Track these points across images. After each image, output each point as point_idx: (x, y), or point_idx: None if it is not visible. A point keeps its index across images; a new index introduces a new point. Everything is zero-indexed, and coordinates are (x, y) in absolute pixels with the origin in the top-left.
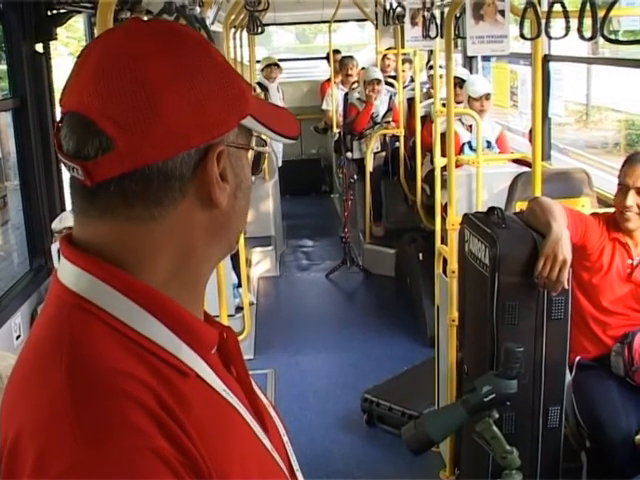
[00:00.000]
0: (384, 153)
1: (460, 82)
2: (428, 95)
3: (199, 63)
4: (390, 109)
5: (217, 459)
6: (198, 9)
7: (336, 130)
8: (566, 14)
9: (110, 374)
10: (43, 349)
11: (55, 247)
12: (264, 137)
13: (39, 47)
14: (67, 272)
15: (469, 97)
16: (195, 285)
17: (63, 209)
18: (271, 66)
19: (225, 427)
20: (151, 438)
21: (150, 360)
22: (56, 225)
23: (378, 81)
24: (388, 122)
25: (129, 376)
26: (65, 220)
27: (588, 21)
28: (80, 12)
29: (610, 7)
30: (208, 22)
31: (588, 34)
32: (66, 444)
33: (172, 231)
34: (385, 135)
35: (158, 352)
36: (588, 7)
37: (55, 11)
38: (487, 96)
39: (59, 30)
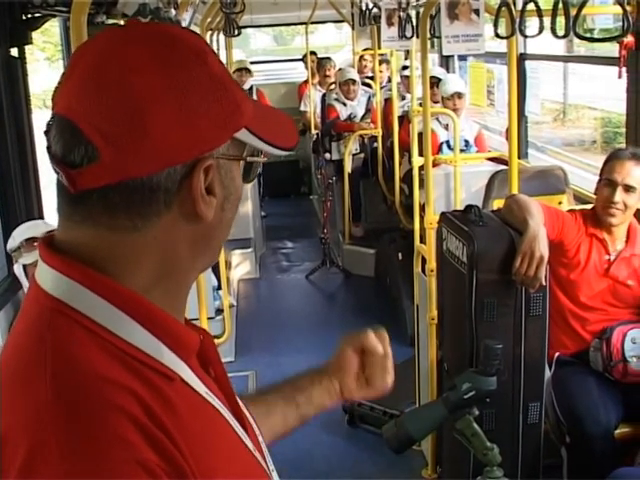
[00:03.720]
0: (363, 154)
1: (437, 81)
2: (402, 96)
3: (192, 76)
4: (369, 110)
5: (202, 462)
6: (173, 11)
7: (314, 131)
8: (539, 13)
9: (95, 383)
10: (25, 356)
11: (18, 267)
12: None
13: (14, 51)
14: (46, 276)
15: (442, 96)
16: (177, 293)
17: (41, 215)
18: (242, 70)
19: (210, 430)
20: (138, 450)
21: (134, 366)
22: (11, 244)
23: (353, 81)
24: (368, 123)
25: (115, 384)
26: (18, 237)
27: (564, 20)
28: (55, 16)
29: (582, 6)
30: (184, 25)
31: (561, 32)
32: (51, 457)
33: (155, 242)
34: (364, 136)
35: (141, 357)
36: (561, 6)
37: (30, 15)
38: (459, 95)
39: (35, 34)
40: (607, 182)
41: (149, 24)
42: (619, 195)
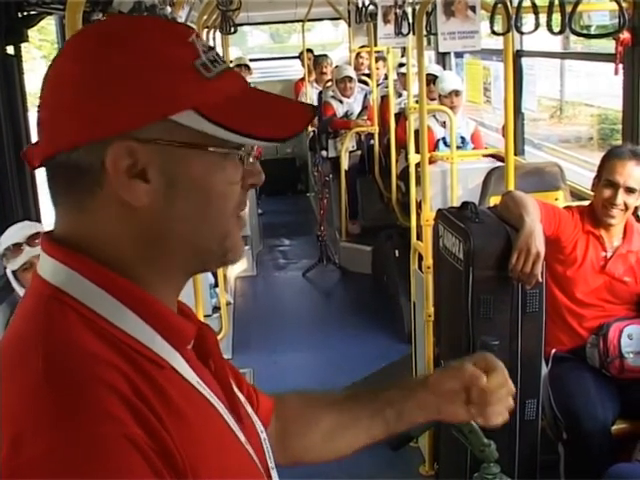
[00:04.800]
0: (360, 152)
1: (433, 78)
2: (399, 93)
3: (112, 60)
4: (365, 107)
5: (190, 448)
6: (169, 9)
7: (311, 129)
8: (535, 9)
9: (86, 361)
10: (21, 341)
11: (8, 270)
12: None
13: (10, 49)
14: (46, 265)
15: (439, 94)
16: (163, 281)
17: (38, 215)
18: (241, 67)
19: (200, 418)
20: (125, 425)
21: (126, 351)
22: None
23: (350, 78)
24: (364, 120)
25: (105, 362)
26: (3, 243)
27: (560, 16)
28: (51, 14)
29: (577, 2)
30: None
31: (557, 29)
32: (42, 429)
33: (103, 224)
34: (360, 134)
35: (134, 344)
36: (557, 2)
37: (26, 12)
38: (456, 92)
39: (31, 32)
40: (608, 183)
41: (102, 21)
42: (621, 197)
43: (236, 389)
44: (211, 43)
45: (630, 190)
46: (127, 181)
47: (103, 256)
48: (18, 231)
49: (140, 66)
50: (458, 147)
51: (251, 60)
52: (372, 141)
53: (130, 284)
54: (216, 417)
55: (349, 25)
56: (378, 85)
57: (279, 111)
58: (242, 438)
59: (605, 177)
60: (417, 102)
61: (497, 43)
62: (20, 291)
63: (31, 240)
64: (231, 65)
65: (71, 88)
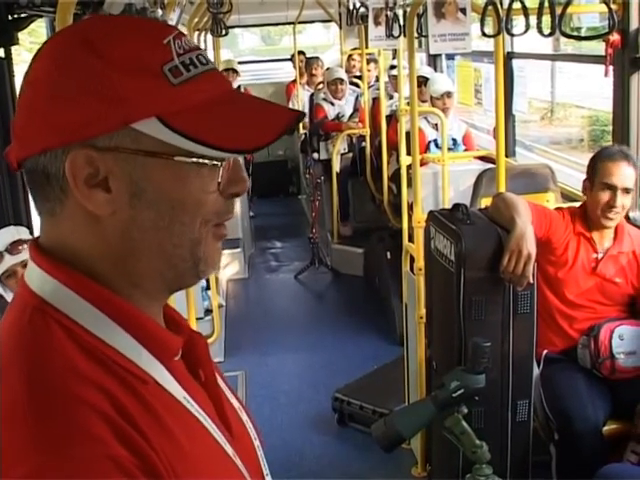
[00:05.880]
0: (351, 154)
1: (424, 81)
2: (390, 95)
3: (73, 67)
4: (357, 109)
5: (177, 464)
6: (160, 12)
7: (302, 131)
8: (525, 11)
9: (67, 380)
10: (5, 353)
11: None
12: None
13: (0, 52)
14: (33, 274)
15: (431, 96)
16: (142, 293)
17: (30, 221)
18: (228, 71)
19: (185, 434)
20: (108, 445)
21: (110, 365)
22: None
23: (341, 81)
24: (356, 122)
25: (86, 381)
26: None
27: (549, 18)
28: (42, 16)
29: (567, 4)
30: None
31: (547, 31)
32: (24, 451)
33: (74, 233)
34: (352, 136)
35: (116, 358)
36: (547, 4)
37: (16, 15)
38: (448, 94)
39: (22, 35)
40: (605, 186)
41: (90, 19)
42: (620, 199)
43: (230, 396)
44: (202, 46)
45: (626, 191)
46: (87, 190)
47: (84, 267)
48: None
49: (105, 71)
50: (449, 149)
51: (243, 63)
52: (364, 143)
53: (113, 296)
54: (202, 432)
55: (340, 27)
56: (369, 87)
57: (256, 118)
58: (230, 451)
59: (600, 180)
60: (408, 104)
61: (488, 45)
62: (7, 296)
63: (13, 248)
64: (220, 68)
65: (39, 91)
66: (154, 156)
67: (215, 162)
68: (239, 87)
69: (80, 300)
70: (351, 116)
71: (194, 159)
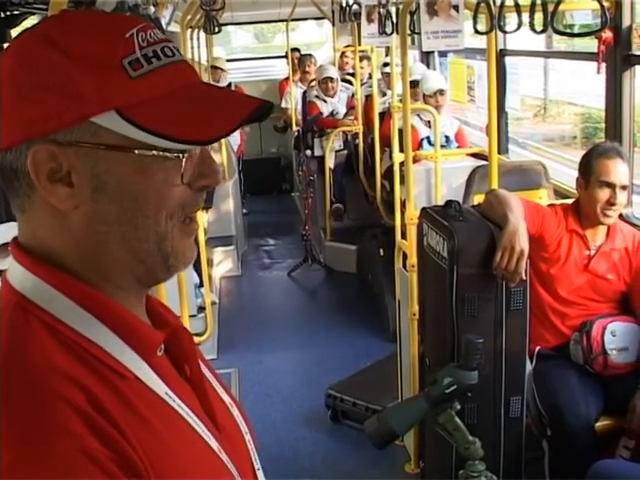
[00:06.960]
0: (346, 151)
1: (415, 84)
2: (383, 92)
3: (34, 62)
4: (352, 107)
5: (157, 459)
6: (152, 9)
7: (295, 128)
8: (518, 8)
9: (42, 374)
10: None
11: None
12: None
13: None
14: (14, 271)
15: (423, 94)
16: (117, 288)
17: (11, 220)
18: (215, 68)
19: (166, 429)
20: (82, 439)
21: (89, 360)
22: None
23: (331, 79)
24: (351, 120)
25: (64, 377)
26: None
27: (542, 15)
28: (34, 14)
29: (559, 1)
30: (164, 22)
31: (540, 28)
32: None
33: (43, 229)
34: (347, 133)
35: (96, 353)
36: (539, 2)
37: (8, 12)
38: (441, 92)
39: (14, 33)
40: (604, 184)
41: (57, 15)
42: (619, 196)
43: (221, 391)
44: (195, 43)
45: (624, 188)
46: (49, 185)
47: (54, 261)
48: None
49: (65, 66)
50: (442, 146)
51: (236, 60)
52: (357, 140)
53: (91, 290)
54: (184, 426)
55: (333, 24)
56: (362, 84)
57: (217, 109)
58: (214, 445)
59: (598, 179)
60: (401, 101)
61: (480, 42)
62: None
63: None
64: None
65: (3, 88)
66: (115, 149)
67: (177, 154)
68: (229, 85)
69: (61, 296)
70: (346, 113)
71: (154, 152)
